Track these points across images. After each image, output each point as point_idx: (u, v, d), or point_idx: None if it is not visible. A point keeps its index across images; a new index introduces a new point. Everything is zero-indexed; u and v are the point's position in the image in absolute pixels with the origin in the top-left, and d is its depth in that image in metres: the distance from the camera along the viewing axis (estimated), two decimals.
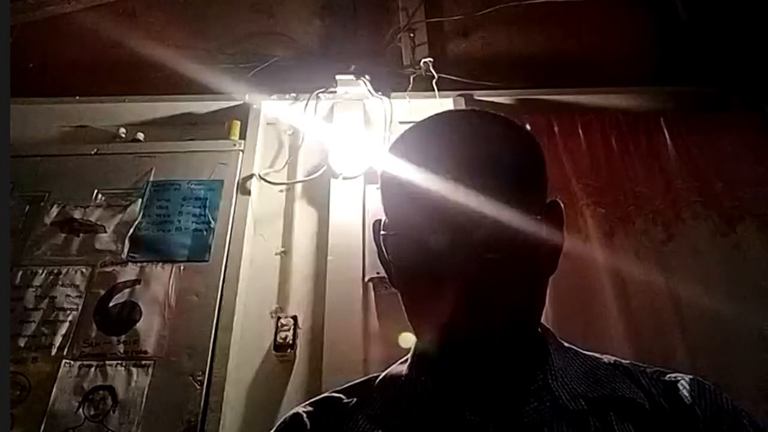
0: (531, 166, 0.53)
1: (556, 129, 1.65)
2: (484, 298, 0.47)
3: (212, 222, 1.51)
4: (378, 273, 1.42)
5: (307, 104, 1.73)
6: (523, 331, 0.53)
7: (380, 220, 0.57)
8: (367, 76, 1.70)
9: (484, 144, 0.51)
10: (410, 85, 1.80)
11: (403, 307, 0.55)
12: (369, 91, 1.71)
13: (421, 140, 0.54)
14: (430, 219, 0.48)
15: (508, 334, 0.50)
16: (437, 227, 0.48)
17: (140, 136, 1.73)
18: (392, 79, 1.83)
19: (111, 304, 1.39)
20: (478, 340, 0.49)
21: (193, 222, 1.52)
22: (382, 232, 0.55)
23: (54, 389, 1.27)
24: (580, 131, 1.65)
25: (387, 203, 0.56)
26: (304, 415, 0.57)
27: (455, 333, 0.49)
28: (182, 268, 1.44)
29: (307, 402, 0.60)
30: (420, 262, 0.49)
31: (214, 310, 1.37)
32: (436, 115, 0.57)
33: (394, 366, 0.61)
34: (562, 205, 0.56)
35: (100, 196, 1.57)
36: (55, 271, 1.43)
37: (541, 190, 0.54)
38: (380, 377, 0.61)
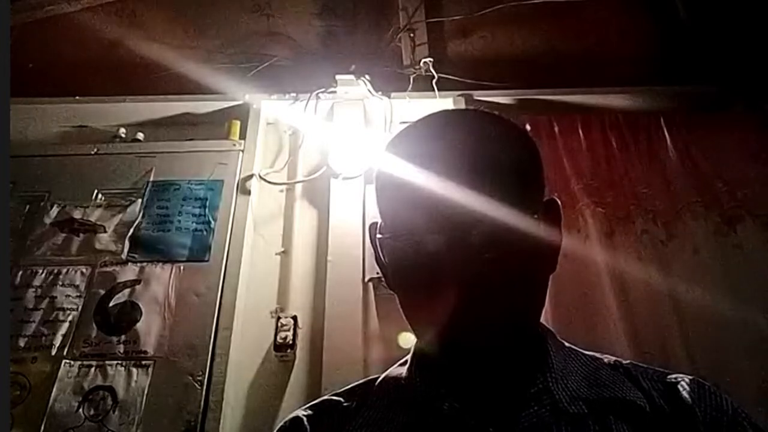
0: (528, 165, 0.53)
1: (556, 129, 1.65)
2: (482, 298, 0.47)
3: (212, 222, 1.51)
4: (378, 273, 1.42)
5: (307, 104, 1.73)
6: (523, 331, 0.53)
7: (376, 223, 0.56)
8: (367, 76, 1.70)
9: (481, 144, 0.51)
10: (410, 85, 1.79)
11: (401, 309, 0.54)
12: (369, 91, 1.71)
13: (418, 141, 0.54)
14: (427, 219, 0.48)
15: (507, 334, 0.50)
16: (434, 228, 0.48)
17: (140, 136, 1.73)
18: (392, 79, 1.82)
19: (111, 304, 1.39)
20: (477, 340, 0.49)
21: (193, 222, 1.52)
22: (378, 235, 0.55)
23: (54, 389, 1.27)
24: (580, 131, 1.65)
25: (383, 204, 0.55)
26: (305, 418, 0.57)
27: (454, 334, 0.49)
28: (182, 268, 1.44)
29: (307, 405, 0.60)
30: (417, 264, 0.49)
31: (214, 310, 1.37)
32: (432, 115, 0.56)
33: (393, 368, 0.61)
34: (559, 203, 0.55)
35: (100, 196, 1.57)
36: (55, 271, 1.43)
37: (538, 189, 0.54)
38: (380, 379, 0.60)
